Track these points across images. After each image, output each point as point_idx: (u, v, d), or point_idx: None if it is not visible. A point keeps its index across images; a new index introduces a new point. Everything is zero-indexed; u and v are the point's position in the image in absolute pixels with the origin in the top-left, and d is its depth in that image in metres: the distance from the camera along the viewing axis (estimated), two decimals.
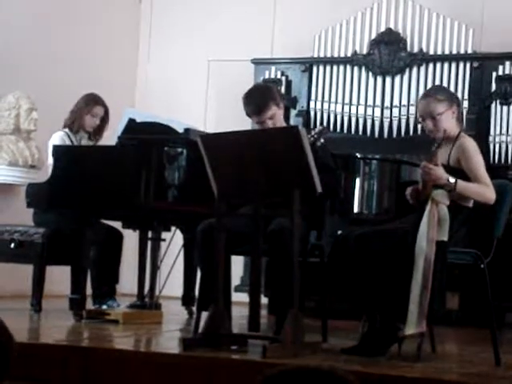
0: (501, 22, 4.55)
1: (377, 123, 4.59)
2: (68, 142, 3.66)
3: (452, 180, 2.51)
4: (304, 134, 2.49)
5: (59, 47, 4.74)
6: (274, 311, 2.81)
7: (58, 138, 3.66)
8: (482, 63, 4.43)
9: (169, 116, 3.83)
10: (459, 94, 4.45)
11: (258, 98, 2.86)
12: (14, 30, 4.50)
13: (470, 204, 2.62)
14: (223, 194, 2.60)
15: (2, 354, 1.15)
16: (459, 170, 2.57)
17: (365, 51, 4.64)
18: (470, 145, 2.61)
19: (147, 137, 3.42)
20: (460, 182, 2.52)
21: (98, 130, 3.72)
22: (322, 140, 2.68)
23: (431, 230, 2.47)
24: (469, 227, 2.64)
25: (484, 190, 2.55)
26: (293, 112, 4.70)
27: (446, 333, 3.40)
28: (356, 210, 3.24)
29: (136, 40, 5.35)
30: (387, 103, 4.57)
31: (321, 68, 4.69)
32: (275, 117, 2.86)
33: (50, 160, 3.61)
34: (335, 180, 2.95)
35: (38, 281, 3.46)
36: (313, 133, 2.69)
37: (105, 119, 3.70)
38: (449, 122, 2.61)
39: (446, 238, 2.50)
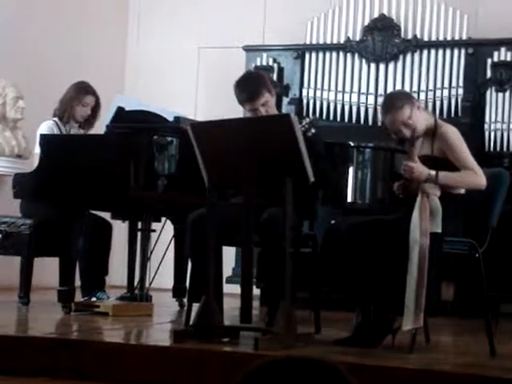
0: (495, 7, 4.51)
1: (370, 111, 4.54)
2: (56, 132, 3.60)
3: (432, 173, 2.50)
4: (296, 121, 2.45)
5: (45, 34, 4.66)
6: (267, 302, 2.77)
7: (47, 127, 3.59)
8: (477, 49, 4.38)
9: (159, 104, 3.76)
10: (454, 81, 4.41)
11: (250, 85, 2.82)
12: None
13: (462, 191, 2.58)
14: (214, 183, 2.56)
15: None
16: (444, 160, 2.55)
17: (358, 38, 4.59)
18: (451, 134, 2.58)
19: (136, 125, 3.36)
20: (441, 173, 2.50)
21: (89, 120, 3.65)
22: (313, 130, 2.66)
23: (424, 222, 2.44)
24: (463, 216, 2.61)
25: (470, 176, 2.52)
26: (285, 100, 4.65)
27: (440, 323, 3.37)
28: (349, 199, 3.20)
29: (125, 26, 5.26)
30: (381, 91, 4.52)
31: (313, 55, 4.64)
32: (268, 104, 2.82)
33: (37, 149, 3.54)
34: (328, 169, 2.92)
35: (26, 273, 3.41)
36: (304, 123, 2.66)
37: (96, 108, 3.63)
38: (420, 118, 2.60)
39: (439, 230, 2.47)
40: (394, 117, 2.57)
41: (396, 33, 4.53)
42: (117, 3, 5.21)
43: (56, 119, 3.63)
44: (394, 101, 2.62)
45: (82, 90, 3.60)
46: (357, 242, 2.54)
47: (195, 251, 2.78)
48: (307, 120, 2.72)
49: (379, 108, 2.76)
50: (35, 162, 3.52)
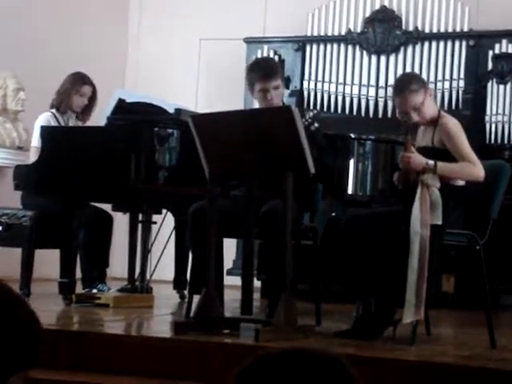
0: None
1: (371, 103, 4.54)
2: (54, 123, 3.59)
3: (431, 162, 2.49)
4: (297, 113, 2.45)
5: (46, 26, 4.65)
6: (267, 294, 2.78)
7: (44, 119, 3.58)
8: (478, 41, 4.37)
9: (159, 96, 3.75)
10: (455, 73, 4.40)
11: (266, 65, 2.86)
12: None
13: (462, 183, 2.58)
14: (215, 175, 2.56)
15: (30, 338, 1.06)
16: (444, 151, 2.54)
17: (359, 29, 4.57)
18: (452, 125, 2.57)
19: (137, 117, 3.35)
20: (440, 163, 2.49)
21: (86, 110, 3.65)
22: (317, 124, 2.66)
23: (424, 214, 2.43)
24: (464, 208, 2.61)
25: (468, 167, 2.51)
26: (286, 92, 4.63)
27: (441, 315, 3.38)
28: (350, 191, 3.19)
29: (126, 18, 5.25)
30: (382, 83, 4.51)
31: (314, 47, 4.62)
32: (279, 89, 2.81)
33: (34, 142, 3.53)
34: (331, 162, 2.92)
35: (27, 264, 3.40)
36: (307, 117, 2.66)
37: (93, 98, 3.63)
38: (430, 107, 2.58)
39: (440, 222, 2.47)
40: (407, 98, 2.54)
41: (397, 24, 4.51)
42: None
43: (53, 110, 3.61)
44: (412, 82, 2.57)
45: (79, 79, 3.59)
46: (357, 234, 2.54)
47: (196, 243, 2.78)
48: (310, 114, 2.72)
49: (393, 85, 2.70)
50: (32, 155, 3.52)
